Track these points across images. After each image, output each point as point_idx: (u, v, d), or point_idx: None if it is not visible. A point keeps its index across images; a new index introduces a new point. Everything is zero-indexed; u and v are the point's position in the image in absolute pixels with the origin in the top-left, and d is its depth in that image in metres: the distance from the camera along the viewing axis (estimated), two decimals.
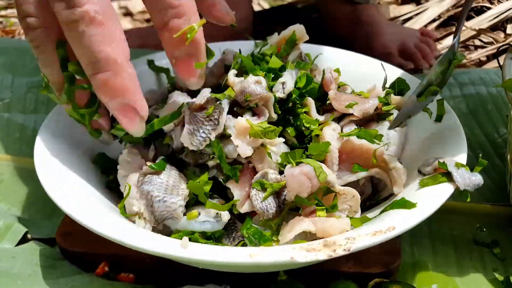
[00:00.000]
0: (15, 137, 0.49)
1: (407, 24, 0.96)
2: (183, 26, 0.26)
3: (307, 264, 0.22)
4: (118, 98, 0.26)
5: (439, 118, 0.34)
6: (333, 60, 0.43)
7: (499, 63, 0.43)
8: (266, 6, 1.25)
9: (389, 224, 0.24)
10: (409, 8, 1.03)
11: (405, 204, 0.27)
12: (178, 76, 0.29)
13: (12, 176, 0.44)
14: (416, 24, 0.94)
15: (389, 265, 0.30)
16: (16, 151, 0.47)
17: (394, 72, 0.42)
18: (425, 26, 0.91)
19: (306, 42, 0.39)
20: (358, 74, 0.42)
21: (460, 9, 0.96)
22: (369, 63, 0.44)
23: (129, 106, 0.26)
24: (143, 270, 0.32)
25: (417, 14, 0.95)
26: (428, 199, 0.27)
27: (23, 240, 0.35)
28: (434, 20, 0.95)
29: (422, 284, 0.32)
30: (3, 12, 1.50)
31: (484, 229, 0.38)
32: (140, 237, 0.25)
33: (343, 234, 0.25)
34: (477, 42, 0.87)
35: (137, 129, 0.27)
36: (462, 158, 0.30)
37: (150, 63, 0.43)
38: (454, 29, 0.89)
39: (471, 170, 0.29)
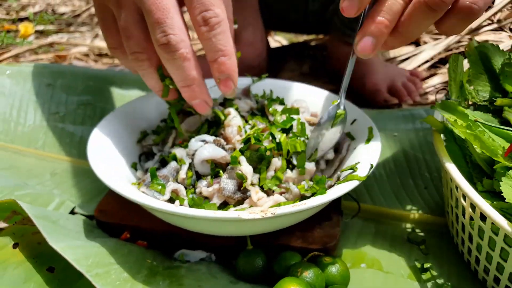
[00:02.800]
0: (66, 142, 0.64)
1: (403, 64, 1.08)
2: (228, 62, 0.40)
3: (250, 220, 0.33)
4: (197, 99, 0.41)
5: (368, 141, 0.45)
6: (292, 92, 0.56)
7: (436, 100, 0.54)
8: (285, 42, 1.40)
9: (305, 202, 0.36)
10: (408, 49, 1.15)
11: (321, 192, 0.39)
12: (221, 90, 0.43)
13: (63, 171, 0.58)
14: (411, 64, 1.06)
15: (326, 244, 0.41)
16: (66, 153, 0.62)
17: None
18: (419, 66, 1.03)
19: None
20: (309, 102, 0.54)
21: (451, 52, 1.08)
22: (317, 93, 0.56)
23: (203, 101, 0.42)
24: (153, 238, 0.45)
25: (413, 55, 1.07)
26: (336, 191, 0.38)
27: (72, 214, 0.49)
28: (427, 61, 1.06)
29: (354, 263, 0.44)
30: (54, 37, 1.72)
31: (417, 231, 0.49)
32: (143, 198, 0.38)
33: (276, 207, 0.36)
34: None
35: (206, 112, 0.43)
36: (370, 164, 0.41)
37: None
38: (441, 70, 1.01)
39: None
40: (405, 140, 0.65)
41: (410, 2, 0.37)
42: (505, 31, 1.10)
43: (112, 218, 0.45)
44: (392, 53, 1.16)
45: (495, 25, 1.13)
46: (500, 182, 0.37)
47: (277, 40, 1.41)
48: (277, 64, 1.10)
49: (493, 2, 1.22)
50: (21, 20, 2.01)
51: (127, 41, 0.40)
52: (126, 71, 0.84)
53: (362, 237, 0.48)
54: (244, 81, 0.56)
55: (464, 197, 0.41)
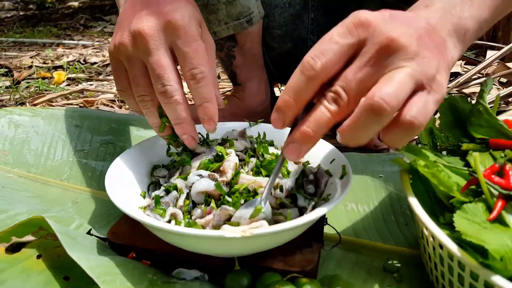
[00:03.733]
0: (88, 176, 0.73)
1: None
2: (210, 107, 0.50)
3: (231, 238, 0.40)
4: (186, 134, 0.52)
5: (342, 177, 0.52)
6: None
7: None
8: None
9: (281, 225, 0.42)
10: None
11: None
12: (205, 128, 0.52)
13: (84, 200, 0.67)
14: None
15: (304, 267, 0.47)
16: (87, 185, 0.71)
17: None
18: None
19: None
20: None
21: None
22: None
23: (190, 136, 0.52)
24: (155, 258, 0.51)
25: None
26: (308, 216, 0.44)
27: (88, 234, 0.57)
28: None
29: (330, 286, 0.49)
30: (84, 84, 1.88)
31: (394, 262, 0.54)
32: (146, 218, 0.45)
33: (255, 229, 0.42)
34: None
35: (193, 145, 0.53)
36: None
37: None
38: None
39: None
40: (390, 181, 0.71)
41: (340, 115, 0.38)
42: (494, 84, 1.18)
43: (122, 240, 0.53)
44: None
45: (484, 79, 1.21)
46: (454, 214, 0.43)
47: (283, 90, 1.52)
48: None
49: (484, 56, 1.30)
50: (56, 68, 2.21)
51: (135, 87, 0.51)
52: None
53: (341, 265, 0.53)
54: (241, 125, 0.64)
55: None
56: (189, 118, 0.51)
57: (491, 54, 1.21)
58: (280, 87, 1.52)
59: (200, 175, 0.49)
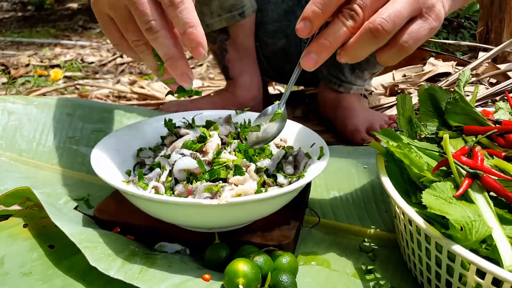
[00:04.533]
0: (78, 161, 0.75)
1: (388, 111, 1.18)
2: (195, 32, 0.46)
3: (208, 206, 0.42)
4: (179, 70, 0.48)
5: (319, 158, 0.54)
6: None
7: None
8: (283, 90, 1.53)
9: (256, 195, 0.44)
10: (393, 98, 1.26)
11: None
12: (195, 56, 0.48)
13: (73, 183, 0.68)
14: (395, 110, 1.15)
15: (281, 242, 0.49)
16: (77, 169, 0.72)
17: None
18: None
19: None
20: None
21: None
22: (292, 125, 0.65)
23: (184, 73, 0.49)
24: (139, 233, 0.53)
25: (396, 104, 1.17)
26: (284, 189, 0.46)
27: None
28: None
29: (305, 262, 0.51)
30: (80, 81, 1.90)
31: (370, 243, 0.56)
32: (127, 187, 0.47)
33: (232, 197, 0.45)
34: None
35: (188, 83, 0.50)
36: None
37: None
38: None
39: None
40: (374, 172, 0.73)
41: (355, 30, 0.43)
42: (483, 84, 1.20)
43: (107, 216, 0.54)
44: (379, 101, 1.26)
45: (474, 79, 1.24)
46: (423, 192, 0.45)
47: (277, 88, 1.55)
48: None
49: (476, 58, 1.33)
50: (53, 67, 2.23)
51: (126, 33, 0.50)
52: (135, 107, 0.96)
53: (319, 245, 0.55)
54: (228, 112, 0.66)
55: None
56: (180, 53, 0.48)
57: (482, 55, 1.24)
58: (274, 86, 1.54)
59: (183, 154, 0.51)
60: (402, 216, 0.48)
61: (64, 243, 0.44)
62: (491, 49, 1.34)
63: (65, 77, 2.03)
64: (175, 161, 0.50)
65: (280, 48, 1.04)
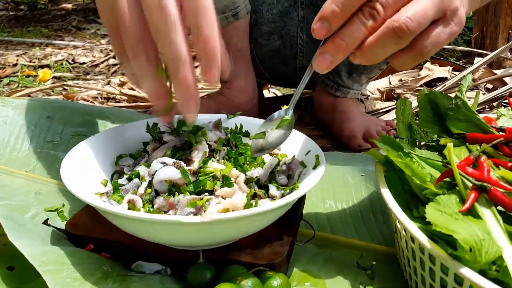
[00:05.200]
0: (55, 168, 0.70)
1: (385, 116, 1.14)
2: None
3: (189, 224, 0.37)
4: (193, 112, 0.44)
5: (315, 167, 0.50)
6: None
7: None
8: (280, 94, 1.50)
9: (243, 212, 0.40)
10: (390, 103, 1.23)
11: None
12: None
13: (48, 192, 0.63)
14: (391, 115, 1.12)
15: (272, 260, 0.44)
16: (53, 176, 0.67)
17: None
18: None
19: None
20: None
21: None
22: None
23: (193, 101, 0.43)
24: (115, 251, 0.48)
25: (393, 109, 1.14)
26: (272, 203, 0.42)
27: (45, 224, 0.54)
28: None
29: (299, 282, 0.46)
30: (70, 82, 1.85)
31: (368, 259, 0.52)
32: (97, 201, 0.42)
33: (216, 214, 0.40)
34: None
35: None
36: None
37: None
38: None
39: None
40: (371, 180, 0.69)
41: (374, 30, 0.40)
42: (480, 90, 1.17)
43: (80, 231, 0.50)
44: (375, 106, 1.23)
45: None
46: (426, 206, 0.41)
47: (273, 92, 1.51)
48: (268, 111, 1.17)
49: (471, 63, 1.31)
50: (42, 67, 2.17)
51: (124, 34, 0.41)
52: (122, 109, 0.91)
53: (313, 261, 0.51)
54: (219, 117, 0.62)
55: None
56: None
57: (478, 61, 1.21)
58: (269, 88, 1.50)
59: (164, 163, 0.47)
60: (403, 232, 0.43)
61: (26, 265, 0.39)
62: (487, 54, 1.31)
63: (54, 77, 1.98)
64: (156, 171, 0.46)
65: (274, 50, 1.00)
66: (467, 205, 0.39)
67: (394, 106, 1.16)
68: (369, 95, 1.31)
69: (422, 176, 0.44)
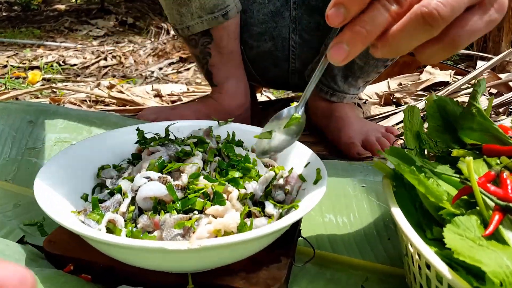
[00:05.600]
0: None
1: (383, 121, 1.10)
2: None
3: (175, 251, 0.33)
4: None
5: (316, 182, 0.45)
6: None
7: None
8: (273, 98, 1.45)
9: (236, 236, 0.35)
10: (388, 108, 1.19)
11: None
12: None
13: (27, 203, 0.58)
14: (391, 121, 1.08)
15: (269, 286, 0.40)
16: None
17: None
18: (397, 123, 1.05)
19: None
20: None
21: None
22: None
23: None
24: (96, 273, 0.43)
25: (392, 114, 1.10)
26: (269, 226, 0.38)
27: (21, 243, 0.48)
28: None
29: None
30: (59, 84, 1.80)
31: (373, 280, 0.47)
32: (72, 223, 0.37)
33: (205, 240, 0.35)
34: None
35: None
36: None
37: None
38: None
39: None
40: (373, 192, 0.65)
41: (399, 17, 0.35)
42: (484, 95, 1.14)
43: (59, 250, 0.45)
44: (374, 111, 1.19)
45: (472, 89, 1.17)
46: (443, 229, 0.37)
47: (267, 95, 1.46)
48: (261, 115, 1.13)
49: (474, 68, 1.27)
50: (32, 69, 2.12)
51: None
52: (108, 113, 0.86)
53: (314, 283, 0.46)
54: (209, 123, 0.57)
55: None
56: None
57: (481, 65, 1.18)
58: (262, 92, 1.46)
59: (149, 177, 0.42)
60: (417, 257, 0.39)
61: None
62: (489, 58, 1.28)
63: (43, 79, 1.92)
64: (139, 187, 0.41)
65: (266, 52, 0.96)
66: (491, 228, 0.35)
67: (394, 111, 1.12)
68: (367, 100, 1.27)
69: (438, 194, 0.39)
